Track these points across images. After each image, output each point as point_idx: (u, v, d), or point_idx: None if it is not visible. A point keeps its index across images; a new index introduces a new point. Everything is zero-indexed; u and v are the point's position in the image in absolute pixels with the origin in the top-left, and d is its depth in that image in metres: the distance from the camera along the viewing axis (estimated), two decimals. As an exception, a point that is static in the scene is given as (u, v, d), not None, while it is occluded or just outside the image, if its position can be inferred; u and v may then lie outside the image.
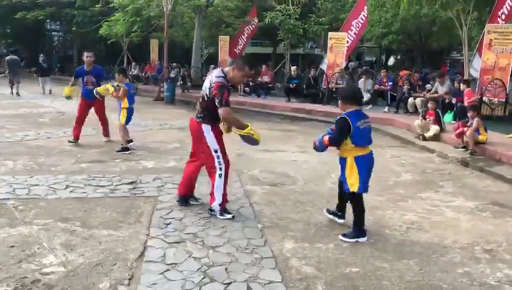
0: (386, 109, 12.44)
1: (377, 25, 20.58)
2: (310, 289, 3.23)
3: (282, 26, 17.77)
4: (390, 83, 13.03)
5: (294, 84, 14.55)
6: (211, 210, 4.58)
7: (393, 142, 9.30)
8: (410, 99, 11.78)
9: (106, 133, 8.27)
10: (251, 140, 4.62)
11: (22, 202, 4.83)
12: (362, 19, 16.20)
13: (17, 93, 16.25)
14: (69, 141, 7.84)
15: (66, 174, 5.94)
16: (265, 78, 16.35)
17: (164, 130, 9.93)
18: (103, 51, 27.75)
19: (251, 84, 16.20)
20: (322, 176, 6.28)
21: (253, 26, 19.60)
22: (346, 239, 4.10)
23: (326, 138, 4.23)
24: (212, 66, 18.99)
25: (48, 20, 28.18)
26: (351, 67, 20.30)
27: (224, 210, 4.55)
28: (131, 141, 7.56)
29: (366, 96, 12.88)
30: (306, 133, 9.83)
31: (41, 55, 19.68)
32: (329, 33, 16.22)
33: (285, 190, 5.61)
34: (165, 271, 3.39)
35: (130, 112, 7.51)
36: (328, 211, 4.62)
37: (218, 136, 4.59)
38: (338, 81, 13.88)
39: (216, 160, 4.55)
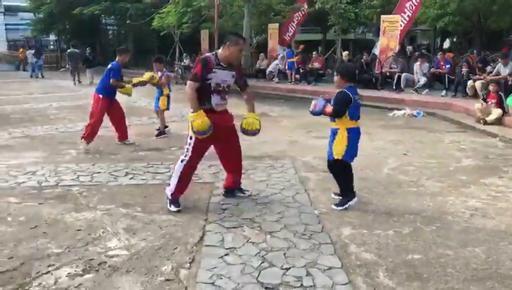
0: (444, 92, 11.96)
1: (431, 6, 19.71)
2: (371, 275, 3.17)
3: (333, 11, 17.40)
4: (448, 66, 12.48)
5: (346, 70, 14.25)
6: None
7: (452, 127, 8.94)
8: (470, 82, 11.26)
9: (125, 135, 7.40)
10: (246, 131, 4.48)
11: (86, 188, 5.04)
12: (416, 1, 15.59)
13: (79, 81, 18.53)
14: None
15: (125, 162, 6.15)
16: (316, 65, 16.15)
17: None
18: (155, 43, 28.43)
19: (301, 70, 16.05)
20: (378, 163, 6.14)
21: (303, 13, 19.35)
22: (339, 208, 4.36)
23: (330, 108, 4.31)
24: (262, 54, 19.01)
25: (102, 15, 29.10)
26: (408, 51, 19.62)
27: (172, 201, 4.34)
28: (167, 126, 8.01)
29: (422, 80, 12.48)
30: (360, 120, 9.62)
31: (88, 48, 21.29)
32: (382, 16, 15.74)
33: (341, 176, 5.51)
34: (225, 255, 3.43)
35: (169, 99, 7.94)
36: (336, 194, 4.64)
37: None
38: (392, 66, 13.49)
39: (185, 146, 4.37)
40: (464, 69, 11.64)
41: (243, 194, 4.72)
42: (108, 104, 6.99)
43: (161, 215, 4.26)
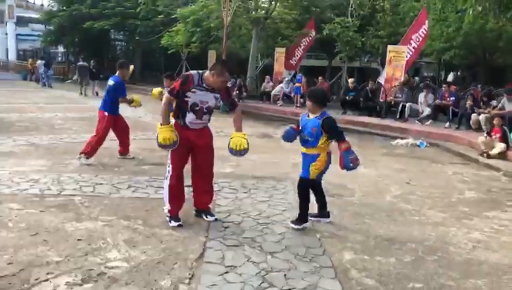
0: (448, 124, 12.00)
1: (438, 39, 19.95)
2: (371, 301, 3.14)
3: (341, 38, 17.63)
4: (452, 98, 12.56)
5: (351, 97, 14.38)
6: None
7: (455, 158, 8.94)
8: (474, 116, 11.30)
9: (127, 149, 7.36)
10: (233, 151, 4.35)
11: (88, 198, 5.04)
12: (423, 33, 15.78)
13: (85, 94, 19.04)
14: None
15: (128, 174, 6.15)
16: (321, 90, 16.25)
17: (220, 137, 9.94)
18: (161, 61, 28.70)
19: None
20: (381, 189, 6.13)
21: (310, 38, 19.58)
22: (296, 226, 4.40)
23: (343, 145, 4.34)
24: (268, 77, 19.18)
25: (112, 30, 29.45)
26: (415, 81, 19.79)
27: (171, 217, 4.36)
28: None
29: (426, 111, 12.54)
30: (363, 146, 9.64)
31: (92, 61, 21.99)
32: (389, 46, 15.91)
33: (343, 201, 5.51)
34: (224, 273, 3.41)
35: None
36: (311, 215, 4.65)
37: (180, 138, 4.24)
38: (397, 95, 13.58)
39: (167, 162, 4.42)
40: (469, 102, 11.71)
41: (206, 218, 4.50)
42: (113, 121, 6.94)
43: (162, 229, 4.24)
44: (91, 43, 29.17)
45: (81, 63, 21.92)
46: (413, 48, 15.80)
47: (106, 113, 6.86)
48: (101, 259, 3.55)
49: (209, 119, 4.43)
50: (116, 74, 6.99)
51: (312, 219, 4.64)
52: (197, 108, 4.22)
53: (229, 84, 15.40)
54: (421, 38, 15.83)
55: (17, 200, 4.88)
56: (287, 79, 17.93)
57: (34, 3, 44.95)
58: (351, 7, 17.73)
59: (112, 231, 4.14)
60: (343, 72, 19.20)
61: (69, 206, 4.76)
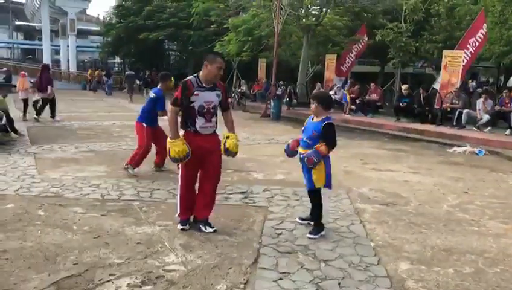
0: (508, 131, 11.47)
1: (497, 42, 19.15)
2: (429, 313, 3.07)
3: (394, 44, 17.30)
4: (513, 104, 12.01)
5: (405, 103, 14.06)
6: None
7: (517, 167, 8.53)
8: (537, 122, 10.76)
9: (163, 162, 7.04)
10: (228, 152, 4.32)
11: (146, 204, 5.23)
12: (480, 37, 15.21)
13: (131, 101, 20.34)
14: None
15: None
16: (374, 96, 16.01)
17: (271, 145, 10.13)
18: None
19: (358, 102, 15.97)
20: (437, 199, 5.95)
21: (362, 45, 19.35)
22: (314, 236, 4.30)
23: (323, 147, 4.28)
24: (319, 84, 19.11)
25: (166, 40, 30.39)
26: (471, 87, 19.08)
27: (180, 221, 4.45)
28: None
29: (485, 118, 12.05)
30: (418, 154, 9.42)
31: (147, 71, 23.61)
32: (444, 51, 15.44)
33: (398, 210, 5.40)
34: (278, 279, 3.44)
35: None
36: (302, 218, 4.69)
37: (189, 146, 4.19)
38: (453, 101, 13.13)
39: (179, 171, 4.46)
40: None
41: (205, 229, 4.36)
42: (152, 132, 6.77)
43: (216, 234, 4.33)
44: (146, 54, 30.25)
45: (128, 72, 24.47)
46: (470, 52, 15.26)
47: (144, 125, 6.74)
48: (159, 262, 3.68)
49: (216, 122, 4.37)
50: (158, 86, 6.87)
51: (302, 221, 4.67)
52: (204, 110, 4.19)
53: (278, 92, 15.28)
54: (478, 43, 15.27)
55: (81, 204, 5.14)
56: (337, 86, 17.80)
57: (98, 17, 47.09)
58: (404, 12, 17.36)
59: (169, 235, 4.28)
60: (396, 78, 18.80)
61: (128, 210, 4.96)
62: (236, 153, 4.36)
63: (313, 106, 4.44)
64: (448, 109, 13.14)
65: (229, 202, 5.42)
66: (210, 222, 4.46)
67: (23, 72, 15.23)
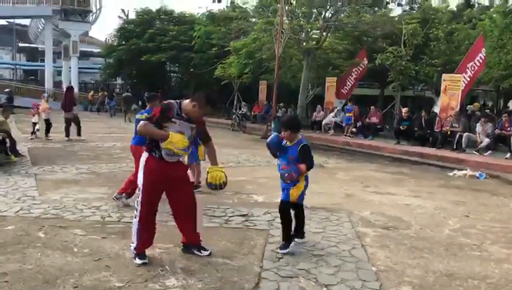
0: (509, 155, 11.49)
1: (495, 66, 19.34)
2: (432, 339, 3.03)
3: (394, 67, 17.48)
4: (513, 128, 12.06)
5: (405, 126, 14.14)
6: None
7: (518, 191, 8.52)
8: (537, 146, 10.78)
9: None
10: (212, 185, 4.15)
11: (146, 226, 5.20)
12: (479, 61, 15.37)
13: (130, 121, 20.37)
14: None
15: (184, 203, 6.30)
16: (374, 119, 16.10)
17: (271, 166, 10.07)
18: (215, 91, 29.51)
19: (358, 124, 16.04)
20: (438, 222, 5.94)
21: (362, 68, 19.53)
22: (283, 251, 4.43)
23: (303, 166, 4.42)
24: (319, 106, 19.23)
25: (168, 62, 30.69)
26: (469, 110, 19.20)
27: (136, 254, 4.12)
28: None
29: (485, 141, 12.09)
30: (418, 177, 9.42)
31: (146, 93, 23.95)
32: (443, 75, 15.58)
33: (399, 234, 5.37)
34: (280, 304, 3.41)
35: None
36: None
37: (152, 172, 4.06)
38: (454, 125, 13.19)
39: (136, 198, 4.20)
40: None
41: (200, 253, 4.29)
42: None
43: (217, 258, 4.31)
44: (148, 75, 30.48)
45: (126, 94, 25.25)
46: (469, 76, 15.39)
47: (144, 148, 6.40)
48: (160, 286, 3.66)
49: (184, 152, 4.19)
50: (148, 108, 6.38)
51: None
52: None
53: (279, 114, 15.29)
54: (477, 67, 15.42)
55: (81, 226, 5.13)
56: (338, 108, 17.91)
57: (108, 40, 47.50)
58: (404, 36, 17.58)
59: (169, 258, 4.26)
60: (396, 101, 18.91)
61: (128, 233, 4.88)
62: (222, 183, 4.13)
63: (285, 133, 4.47)
64: (449, 133, 13.19)
65: (229, 225, 5.41)
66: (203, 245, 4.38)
67: (43, 95, 16.50)
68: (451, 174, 9.98)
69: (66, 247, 4.45)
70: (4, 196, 6.37)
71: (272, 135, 4.74)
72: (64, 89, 14.60)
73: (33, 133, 13.46)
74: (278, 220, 5.63)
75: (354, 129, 15.97)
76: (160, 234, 4.90)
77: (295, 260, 4.35)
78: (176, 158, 4.12)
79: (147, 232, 4.17)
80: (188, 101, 4.03)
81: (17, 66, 46.65)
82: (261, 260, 4.30)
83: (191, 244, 4.37)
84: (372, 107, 16.75)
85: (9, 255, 4.17)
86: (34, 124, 13.53)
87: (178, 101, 4.09)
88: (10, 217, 5.40)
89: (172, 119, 3.95)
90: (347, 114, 16.44)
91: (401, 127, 14.28)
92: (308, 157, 4.48)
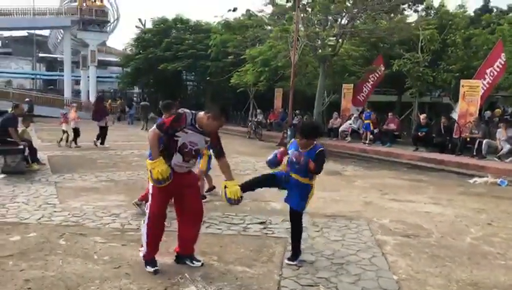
0: (531, 162, 11.28)
1: (516, 72, 19.09)
2: None
3: (411, 74, 17.33)
4: (534, 134, 11.83)
5: (423, 133, 13.98)
6: None
7: (541, 198, 8.34)
8: (560, 152, 10.56)
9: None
10: (231, 201, 4.09)
11: (165, 234, 5.10)
12: (498, 67, 15.16)
13: (146, 129, 20.78)
14: None
15: (202, 211, 6.32)
16: (391, 126, 15.96)
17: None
18: (231, 99, 29.61)
19: (375, 131, 15.93)
20: (460, 230, 5.84)
21: (379, 74, 19.42)
22: (293, 262, 4.35)
23: (313, 165, 4.24)
24: (336, 113, 19.14)
25: (184, 71, 30.93)
26: (486, 116, 18.95)
27: (147, 261, 4.14)
28: (213, 188, 7.28)
29: (506, 147, 11.89)
30: (438, 184, 9.29)
31: (160, 101, 24.19)
32: (462, 81, 15.38)
33: (420, 242, 5.30)
34: (300, 313, 3.38)
35: (210, 159, 6.87)
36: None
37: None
38: (473, 131, 13.00)
39: (146, 204, 4.22)
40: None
41: (192, 264, 4.25)
42: None
43: (236, 266, 4.30)
44: (164, 84, 30.76)
45: (143, 102, 25.57)
46: (488, 82, 15.19)
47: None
48: (179, 294, 3.66)
49: (194, 163, 4.22)
50: (163, 117, 6.14)
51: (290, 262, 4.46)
52: (186, 149, 3.98)
53: (294, 121, 15.23)
54: (496, 72, 15.21)
55: (101, 233, 5.17)
56: (355, 116, 17.81)
57: (125, 49, 48.20)
58: (421, 42, 17.44)
59: (189, 266, 4.25)
60: (414, 107, 18.73)
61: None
62: (239, 198, 4.11)
63: (302, 141, 4.34)
64: (468, 139, 13.00)
65: (247, 233, 5.39)
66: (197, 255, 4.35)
67: (73, 104, 17.79)
68: (471, 181, 9.82)
69: (86, 254, 4.49)
70: (26, 203, 6.47)
71: (271, 155, 4.53)
72: (92, 100, 15.26)
73: (62, 141, 13.87)
74: (297, 227, 5.64)
75: (371, 136, 15.85)
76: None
77: (315, 268, 4.32)
78: (185, 169, 4.12)
79: (155, 238, 4.17)
80: (202, 113, 4.01)
81: (37, 76, 47.54)
82: (280, 268, 4.28)
83: (185, 254, 4.31)
84: (389, 114, 16.60)
85: (31, 262, 4.23)
86: (64, 132, 13.93)
87: (193, 112, 4.06)
88: (32, 224, 5.48)
89: (185, 129, 3.93)
90: (365, 120, 16.33)
91: (419, 134, 14.13)
92: (320, 160, 4.28)
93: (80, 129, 14.01)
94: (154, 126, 4.09)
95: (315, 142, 4.42)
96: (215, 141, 4.18)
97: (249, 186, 4.47)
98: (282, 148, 4.56)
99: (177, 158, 4.00)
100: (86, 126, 14.81)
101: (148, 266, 4.11)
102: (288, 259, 4.42)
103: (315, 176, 4.43)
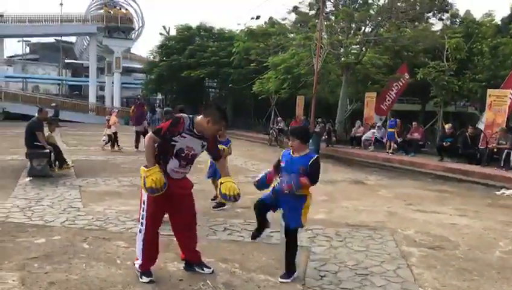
0: (560, 173, 10.94)
1: (545, 81, 18.62)
2: None
3: (436, 82, 17.08)
4: None
5: (448, 143, 13.71)
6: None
7: None
8: None
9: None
10: (227, 197, 3.99)
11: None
12: (527, 76, 14.82)
13: None
14: None
15: (224, 217, 6.32)
16: (416, 135, 15.72)
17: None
18: (252, 106, 29.70)
19: (399, 140, 15.71)
20: (488, 243, 5.68)
21: (403, 83, 19.20)
22: (287, 280, 4.09)
23: (305, 179, 3.93)
24: (358, 121, 18.96)
25: (207, 78, 31.18)
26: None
27: (143, 272, 3.99)
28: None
29: (534, 158, 11.55)
30: (464, 196, 9.09)
31: (180, 106, 24.65)
32: (489, 90, 15.07)
33: (446, 255, 5.17)
34: (324, 324, 3.32)
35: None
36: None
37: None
38: (500, 141, 12.70)
39: (140, 212, 4.04)
40: None
41: (202, 271, 4.19)
42: None
43: (259, 274, 4.26)
44: (187, 91, 31.03)
45: (167, 108, 25.31)
46: (516, 92, 14.83)
47: None
48: (201, 301, 3.63)
49: (190, 169, 4.11)
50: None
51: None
52: (183, 154, 3.90)
53: (317, 129, 15.02)
54: (524, 82, 14.85)
55: (124, 238, 5.20)
56: (378, 125, 17.62)
57: (149, 56, 48.97)
58: (447, 51, 17.19)
59: (211, 273, 4.23)
60: (439, 116, 18.42)
61: (169, 246, 4.94)
62: (236, 194, 3.98)
63: (294, 143, 4.09)
64: (495, 150, 12.70)
65: (270, 241, 5.33)
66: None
67: (115, 111, 18.95)
68: (498, 193, 9.57)
69: (109, 258, 4.51)
70: (51, 207, 6.56)
71: (261, 175, 4.35)
72: (133, 105, 16.67)
73: (107, 144, 14.77)
74: (319, 237, 5.61)
75: (395, 145, 15.64)
76: (201, 248, 4.89)
77: (338, 279, 4.24)
78: (181, 175, 4.05)
79: (151, 248, 4.05)
80: (200, 117, 3.89)
81: (63, 82, 48.51)
82: (303, 278, 4.22)
83: (192, 261, 4.27)
84: (414, 123, 16.36)
85: (56, 265, 4.27)
86: (109, 136, 14.78)
87: (191, 116, 3.95)
88: (57, 227, 5.55)
89: (183, 134, 3.84)
90: (389, 129, 16.12)
91: (444, 144, 13.86)
92: (315, 171, 4.01)
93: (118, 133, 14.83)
94: (150, 132, 4.01)
95: (308, 150, 4.14)
96: (213, 144, 4.13)
97: (260, 222, 4.42)
98: (271, 169, 4.28)
99: (173, 163, 3.92)
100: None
101: (143, 277, 3.96)
102: (281, 277, 4.13)
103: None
